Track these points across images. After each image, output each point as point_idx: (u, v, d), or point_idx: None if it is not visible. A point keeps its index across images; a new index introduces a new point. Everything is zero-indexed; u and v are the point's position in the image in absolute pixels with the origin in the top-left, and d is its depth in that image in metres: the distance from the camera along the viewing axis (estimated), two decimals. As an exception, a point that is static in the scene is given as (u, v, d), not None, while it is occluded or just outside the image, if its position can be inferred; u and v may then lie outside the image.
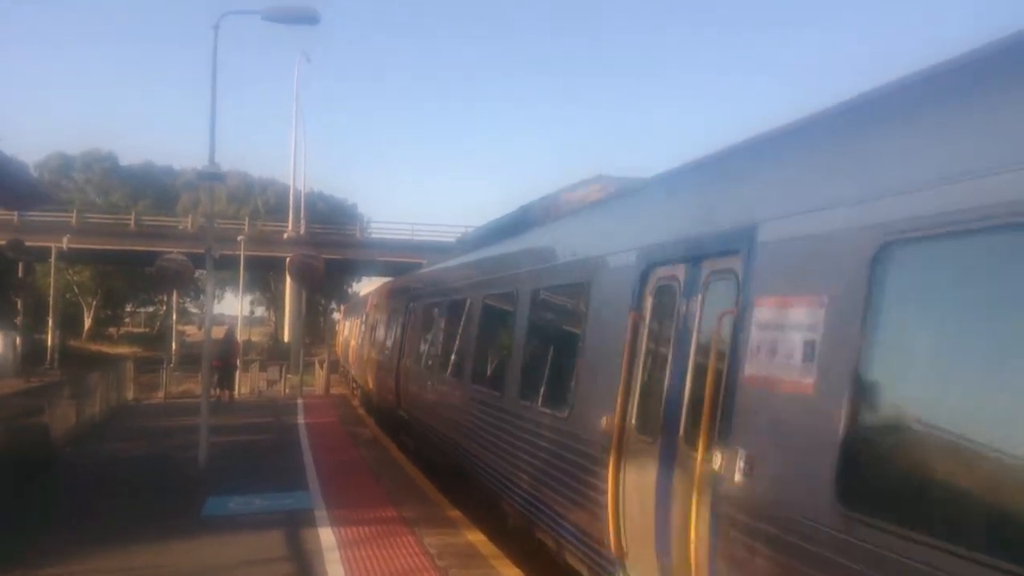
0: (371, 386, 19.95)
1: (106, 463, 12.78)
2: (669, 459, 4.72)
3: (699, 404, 4.39)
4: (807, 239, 3.76)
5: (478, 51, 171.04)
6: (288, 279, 47.70)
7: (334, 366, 31.79)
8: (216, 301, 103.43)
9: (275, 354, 45.48)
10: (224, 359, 20.87)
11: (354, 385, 26.70)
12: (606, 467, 5.39)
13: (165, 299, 76.77)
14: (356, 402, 23.40)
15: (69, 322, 72.82)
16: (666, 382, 4.92)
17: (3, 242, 40.98)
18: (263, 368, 32.29)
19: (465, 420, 9.80)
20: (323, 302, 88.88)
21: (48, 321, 48.53)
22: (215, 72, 12.18)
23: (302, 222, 53.54)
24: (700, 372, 4.52)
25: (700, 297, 4.69)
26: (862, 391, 3.26)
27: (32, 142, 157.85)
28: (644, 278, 5.41)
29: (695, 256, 4.81)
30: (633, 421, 5.30)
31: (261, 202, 78.54)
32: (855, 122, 3.77)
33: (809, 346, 3.61)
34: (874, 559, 3.03)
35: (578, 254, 6.85)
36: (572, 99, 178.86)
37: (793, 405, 3.66)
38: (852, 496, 3.21)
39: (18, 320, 41.31)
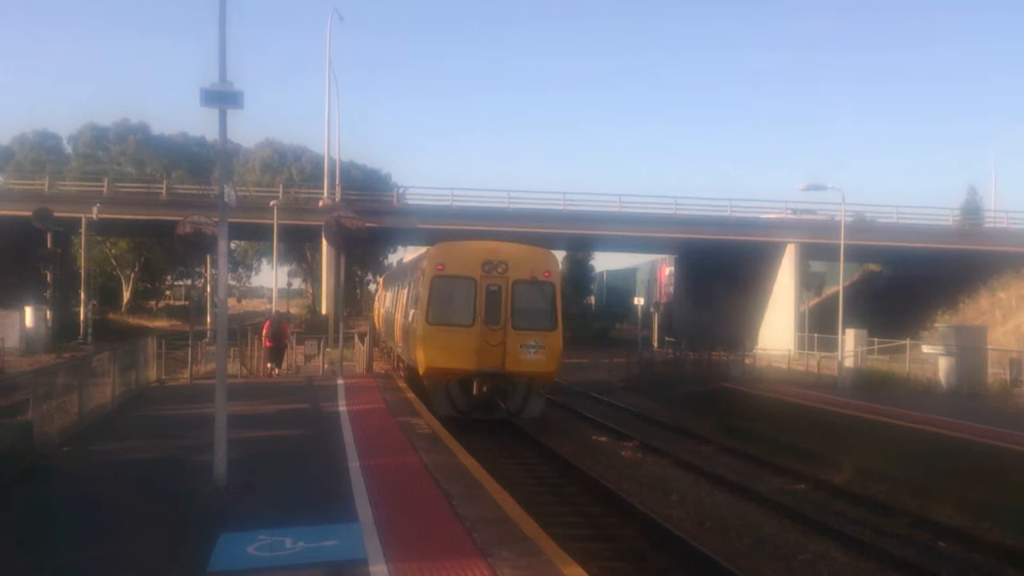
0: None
1: (102, 472, 10.17)
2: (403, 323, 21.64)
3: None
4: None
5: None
6: (324, 247, 45.16)
7: (375, 340, 29.34)
8: (253, 274, 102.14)
9: (312, 327, 43.16)
10: (275, 339, 23.46)
11: (399, 364, 24.46)
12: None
13: (202, 271, 75.59)
14: (403, 383, 20.70)
15: (108, 295, 71.70)
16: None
17: (30, 212, 39.10)
18: (300, 342, 30.07)
19: None
20: (359, 273, 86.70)
21: (83, 295, 46.88)
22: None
23: (337, 188, 50.78)
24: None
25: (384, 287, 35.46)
26: (391, 312, 25.59)
27: (64, 114, 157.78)
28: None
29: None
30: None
31: (296, 170, 76.26)
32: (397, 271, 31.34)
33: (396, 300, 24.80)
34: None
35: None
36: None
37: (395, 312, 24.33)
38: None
39: (47, 293, 39.37)
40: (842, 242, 27.90)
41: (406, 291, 21.44)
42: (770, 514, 13.33)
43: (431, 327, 17.60)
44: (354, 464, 10.20)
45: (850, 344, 27.20)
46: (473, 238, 51.95)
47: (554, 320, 18.06)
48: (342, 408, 15.38)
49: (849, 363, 26.88)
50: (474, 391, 17.58)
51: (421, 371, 17.89)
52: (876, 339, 32.16)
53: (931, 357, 25.72)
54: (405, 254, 60.14)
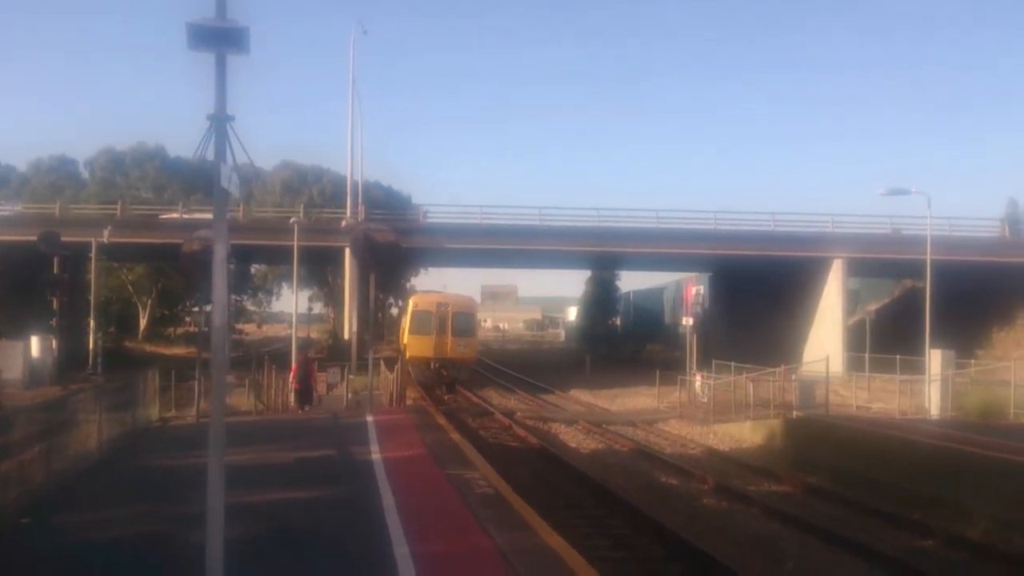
0: None
1: (63, 559, 7.56)
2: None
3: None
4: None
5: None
6: (347, 268, 42.76)
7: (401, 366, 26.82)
8: (274, 299, 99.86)
9: (334, 353, 40.65)
10: (303, 382, 22.74)
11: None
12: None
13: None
14: (442, 419, 18.02)
15: (126, 323, 69.72)
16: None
17: (34, 237, 37.05)
18: (322, 369, 27.64)
19: None
20: (381, 297, 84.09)
21: (92, 322, 44.73)
22: None
23: (360, 208, 48.38)
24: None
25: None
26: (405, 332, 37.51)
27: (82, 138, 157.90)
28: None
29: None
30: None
31: (316, 191, 74.25)
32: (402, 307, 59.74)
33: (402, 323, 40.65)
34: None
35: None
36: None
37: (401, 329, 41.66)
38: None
39: (54, 321, 37.14)
40: (928, 257, 25.08)
41: (404, 317, 38.28)
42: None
43: (412, 335, 34.47)
44: (401, 550, 7.42)
45: (936, 367, 24.25)
46: (503, 257, 55.14)
47: (473, 332, 35.87)
48: (376, 456, 12.66)
49: (935, 388, 23.91)
50: (431, 368, 33.80)
51: (407, 357, 32.38)
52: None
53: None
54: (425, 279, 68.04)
